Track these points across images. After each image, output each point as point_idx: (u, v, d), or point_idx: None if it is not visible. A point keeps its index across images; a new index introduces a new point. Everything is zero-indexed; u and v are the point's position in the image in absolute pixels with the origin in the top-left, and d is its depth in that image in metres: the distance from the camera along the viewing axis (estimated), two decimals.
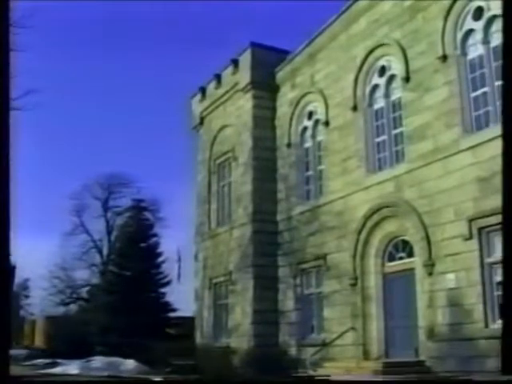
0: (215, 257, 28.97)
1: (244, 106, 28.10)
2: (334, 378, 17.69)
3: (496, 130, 16.91)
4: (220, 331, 28.15)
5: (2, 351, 7.26)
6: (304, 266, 24.51)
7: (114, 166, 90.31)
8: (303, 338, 23.93)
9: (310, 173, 25.51)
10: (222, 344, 26.95)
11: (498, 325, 16.24)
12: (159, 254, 38.01)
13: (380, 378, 16.72)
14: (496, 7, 17.62)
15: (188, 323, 32.40)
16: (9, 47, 7.33)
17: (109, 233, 51.78)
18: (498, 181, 16.37)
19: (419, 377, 16.99)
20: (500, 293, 16.48)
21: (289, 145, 26.36)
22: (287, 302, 25.09)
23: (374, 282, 21.06)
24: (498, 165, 16.34)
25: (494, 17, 17.85)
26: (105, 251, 51.63)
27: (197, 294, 30.40)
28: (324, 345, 21.86)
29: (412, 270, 19.60)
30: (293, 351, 24.02)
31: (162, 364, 25.98)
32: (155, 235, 39.16)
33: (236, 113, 28.76)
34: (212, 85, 31.02)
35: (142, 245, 37.67)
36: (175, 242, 38.29)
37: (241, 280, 26.40)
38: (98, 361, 27.46)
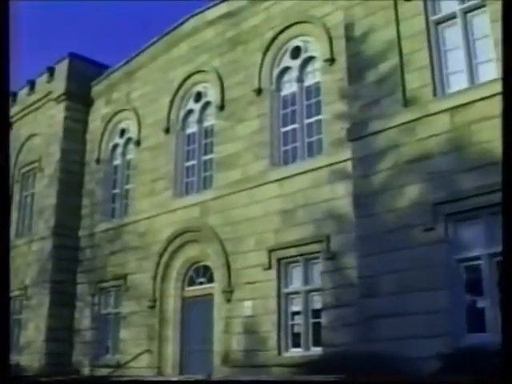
0: (12, 270, 27.70)
1: (55, 116, 27.27)
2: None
3: (302, 165, 17.69)
4: (11, 348, 26.88)
5: (3, 351, 6.74)
6: (103, 284, 24.02)
7: None
8: (97, 358, 23.35)
9: (117, 191, 25.11)
10: (12, 361, 25.70)
11: (290, 353, 16.81)
12: None
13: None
14: (313, 49, 18.49)
15: None
16: (9, 47, 6.80)
17: None
18: (299, 214, 17.09)
19: None
20: (294, 322, 17.10)
21: (98, 160, 25.83)
22: (83, 320, 24.43)
23: (172, 306, 21.02)
24: (300, 199, 17.13)
25: (311, 58, 18.70)
26: None
27: None
28: (118, 366, 21.50)
29: (211, 295, 19.71)
30: (86, 371, 23.40)
31: None
32: None
33: (47, 122, 27.83)
34: (25, 91, 29.84)
35: None
36: None
37: (36, 295, 25.43)
38: None
